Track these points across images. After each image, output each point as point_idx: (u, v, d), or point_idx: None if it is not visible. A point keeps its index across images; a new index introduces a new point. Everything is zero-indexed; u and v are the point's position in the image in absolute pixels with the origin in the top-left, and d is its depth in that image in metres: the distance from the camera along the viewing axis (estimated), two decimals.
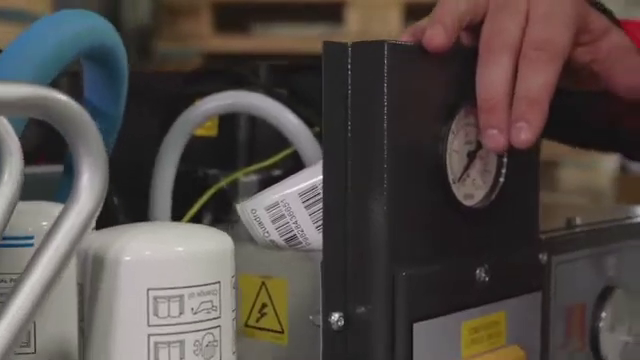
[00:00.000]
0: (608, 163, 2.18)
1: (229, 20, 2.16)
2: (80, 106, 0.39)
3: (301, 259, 0.50)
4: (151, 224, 0.46)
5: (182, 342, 0.42)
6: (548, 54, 0.50)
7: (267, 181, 0.63)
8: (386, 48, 0.46)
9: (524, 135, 0.49)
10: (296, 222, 0.49)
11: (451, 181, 0.50)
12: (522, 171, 0.55)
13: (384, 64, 0.46)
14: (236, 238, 0.51)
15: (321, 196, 0.48)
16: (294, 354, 0.51)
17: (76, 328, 0.44)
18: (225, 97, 0.57)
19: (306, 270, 0.50)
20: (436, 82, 0.49)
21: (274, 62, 0.66)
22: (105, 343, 0.42)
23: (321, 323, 0.47)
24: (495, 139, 0.49)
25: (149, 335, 0.41)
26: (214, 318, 0.43)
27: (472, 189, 0.52)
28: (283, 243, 0.50)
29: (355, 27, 2.06)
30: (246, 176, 0.62)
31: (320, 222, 0.48)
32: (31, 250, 0.40)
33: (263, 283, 0.52)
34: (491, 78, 0.49)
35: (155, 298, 0.41)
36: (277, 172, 0.63)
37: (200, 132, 0.64)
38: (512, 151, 0.50)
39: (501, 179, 0.53)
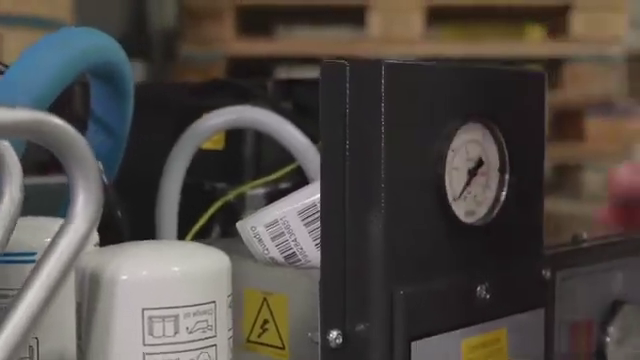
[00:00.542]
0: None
1: (252, 23, 2.16)
2: (75, 131, 0.39)
3: (301, 276, 0.50)
4: (150, 243, 0.46)
5: None
6: None
7: (274, 194, 0.63)
8: (383, 68, 0.46)
9: None
10: (295, 240, 0.49)
11: (451, 198, 0.50)
12: (527, 186, 0.55)
13: (381, 84, 0.46)
14: (242, 253, 0.52)
15: None
16: None
17: None
18: (230, 112, 0.58)
19: (306, 287, 0.50)
20: (435, 100, 0.49)
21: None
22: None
23: (319, 340, 0.47)
24: None
25: (145, 354, 0.42)
26: (209, 337, 0.43)
27: (473, 206, 0.52)
28: (283, 260, 0.50)
29: (377, 30, 2.06)
30: (253, 189, 0.63)
31: (319, 240, 0.48)
32: (33, 266, 0.41)
33: (265, 299, 0.53)
34: None
35: (150, 318, 0.41)
36: (284, 185, 0.64)
37: (207, 145, 0.65)
38: (517, 165, 0.50)
39: (503, 196, 0.53)
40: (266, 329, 0.53)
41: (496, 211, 0.52)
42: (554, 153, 2.28)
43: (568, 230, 0.64)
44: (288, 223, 0.49)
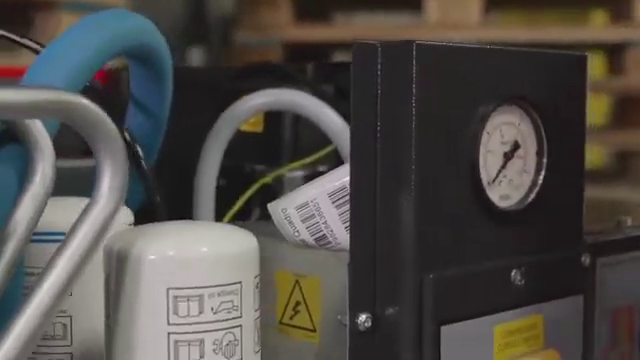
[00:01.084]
0: None
1: (310, 9, 2.16)
2: (102, 110, 0.40)
3: (333, 258, 0.50)
4: (179, 223, 0.46)
5: (202, 341, 0.42)
6: None
7: (312, 176, 0.63)
8: (415, 48, 0.46)
9: None
10: (325, 222, 0.49)
11: (485, 182, 0.49)
12: (566, 170, 0.54)
13: (412, 64, 0.46)
14: (277, 235, 0.52)
15: None
16: (325, 353, 0.51)
17: None
18: (267, 95, 0.58)
19: (338, 270, 0.49)
20: (468, 82, 0.48)
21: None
22: (127, 340, 0.42)
23: (347, 323, 0.47)
24: None
25: (169, 333, 0.42)
26: (235, 318, 0.43)
27: (509, 190, 0.51)
28: (313, 242, 0.50)
29: (434, 16, 2.04)
30: (291, 172, 0.62)
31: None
32: None
33: (297, 281, 0.53)
34: None
35: (175, 297, 0.42)
36: (323, 168, 0.63)
37: (247, 128, 0.65)
38: (556, 149, 0.49)
39: (540, 180, 0.52)
40: (298, 311, 0.53)
41: (533, 196, 0.51)
42: (616, 140, 2.23)
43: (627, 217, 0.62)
44: (318, 205, 0.49)
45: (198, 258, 0.42)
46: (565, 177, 0.53)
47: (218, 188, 0.68)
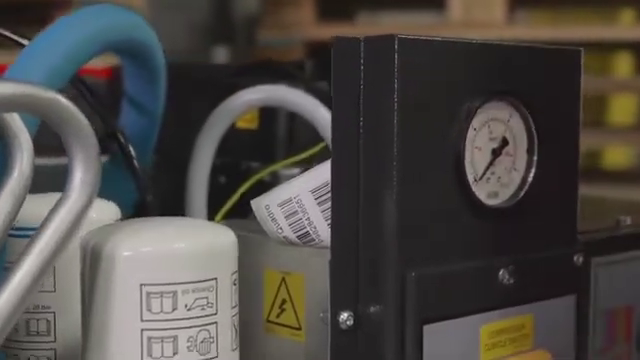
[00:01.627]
0: None
1: (333, 9, 2.15)
2: (74, 105, 0.39)
3: (318, 256, 0.50)
4: (157, 219, 0.46)
5: (175, 338, 0.42)
6: None
7: None
8: (397, 42, 0.45)
9: None
10: (309, 219, 0.48)
11: (471, 179, 0.48)
12: (559, 168, 0.53)
13: (395, 59, 0.45)
14: (265, 232, 0.51)
15: None
16: (311, 351, 0.50)
17: None
18: (259, 91, 0.57)
19: (322, 267, 0.49)
20: (454, 77, 0.47)
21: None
22: (101, 336, 0.42)
23: (329, 322, 0.46)
24: None
25: (142, 330, 0.42)
26: (210, 315, 0.43)
27: (497, 187, 0.50)
28: (296, 240, 0.49)
29: (458, 15, 2.02)
30: (286, 168, 0.62)
31: None
32: None
33: (283, 279, 0.52)
34: None
35: (148, 294, 0.41)
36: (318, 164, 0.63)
37: (242, 124, 0.65)
38: (548, 147, 0.48)
39: (530, 178, 0.51)
40: (284, 309, 0.52)
41: (522, 193, 0.51)
42: None
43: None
44: (302, 202, 0.48)
45: (171, 254, 0.42)
46: (558, 175, 0.53)
47: (219, 185, 0.68)
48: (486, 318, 0.49)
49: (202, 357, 0.42)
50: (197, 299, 0.42)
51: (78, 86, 0.56)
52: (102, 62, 0.74)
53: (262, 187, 0.64)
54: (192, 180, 0.59)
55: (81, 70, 0.68)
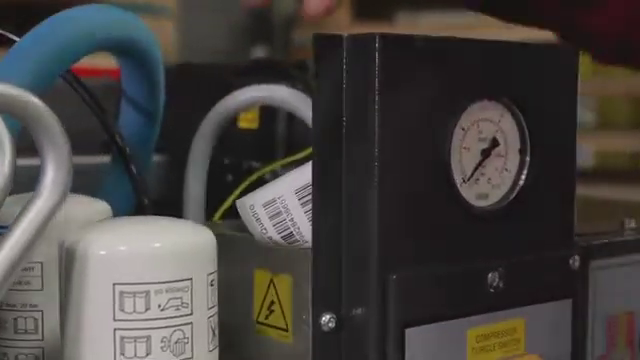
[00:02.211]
0: None
1: (371, 9, 2.15)
2: (44, 104, 0.39)
3: (304, 257, 0.49)
4: (135, 219, 0.46)
5: (149, 338, 0.42)
6: None
7: None
8: (377, 40, 0.44)
9: None
10: (292, 219, 0.48)
11: (459, 180, 0.48)
12: (554, 169, 0.51)
13: (375, 57, 0.44)
14: None
15: None
16: (298, 353, 0.50)
17: None
18: (254, 90, 0.57)
19: (308, 268, 0.48)
20: (440, 75, 0.47)
21: None
22: (76, 334, 0.42)
23: (310, 324, 0.46)
24: None
25: (115, 329, 0.41)
26: (184, 315, 0.42)
27: (487, 189, 0.49)
28: (281, 240, 0.49)
29: None
30: (286, 168, 0.61)
31: None
32: None
33: (272, 280, 0.52)
34: None
35: (121, 293, 0.41)
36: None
37: (243, 125, 0.64)
38: (542, 147, 0.47)
39: (522, 179, 0.50)
40: (272, 310, 0.52)
41: (514, 195, 0.50)
42: None
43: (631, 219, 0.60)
44: (285, 202, 0.48)
45: (144, 253, 0.41)
46: (553, 176, 0.51)
47: (226, 184, 0.67)
48: (473, 322, 0.48)
49: (176, 358, 0.42)
50: (171, 299, 0.42)
51: (75, 87, 0.57)
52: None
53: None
54: (188, 179, 0.59)
55: (92, 71, 0.69)
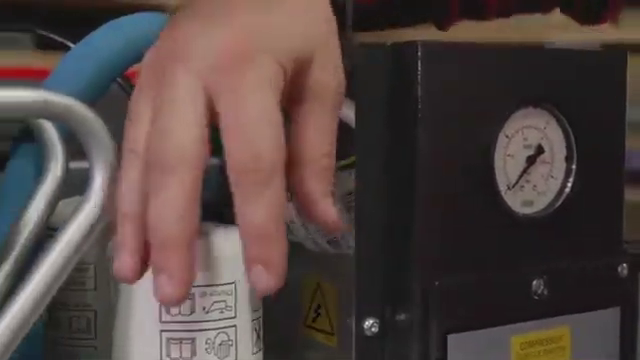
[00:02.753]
0: None
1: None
2: (89, 110, 0.41)
3: (349, 262, 0.50)
4: None
5: (193, 340, 0.43)
6: None
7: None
8: (420, 49, 0.45)
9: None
10: None
11: (503, 187, 0.48)
12: (602, 176, 0.51)
13: (418, 65, 0.45)
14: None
15: None
16: (342, 356, 0.50)
17: None
18: None
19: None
20: (483, 83, 0.47)
21: None
22: (124, 335, 0.44)
23: (353, 328, 0.46)
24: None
25: (161, 331, 0.43)
26: (228, 318, 0.43)
27: (533, 196, 0.49)
28: (326, 245, 0.49)
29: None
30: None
31: None
32: None
33: (318, 284, 0.52)
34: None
35: None
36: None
37: None
38: (589, 154, 0.47)
39: (568, 187, 0.50)
40: (319, 314, 0.52)
41: (560, 202, 0.49)
42: None
43: None
44: None
45: None
46: (600, 183, 0.51)
47: None
48: (517, 329, 0.48)
49: None
50: (215, 302, 0.43)
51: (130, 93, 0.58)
52: None
53: None
54: None
55: None
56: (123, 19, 0.52)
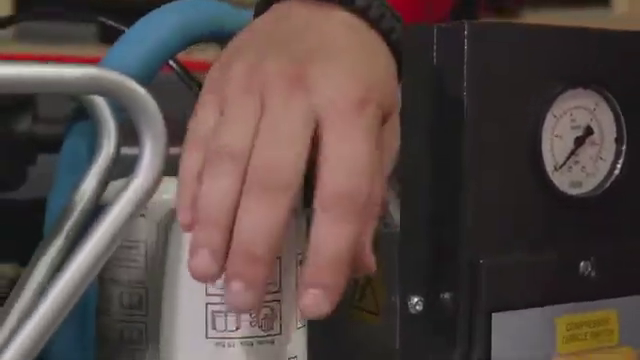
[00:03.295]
0: None
1: (499, 6, 2.12)
2: (142, 87, 0.42)
3: (396, 240, 0.50)
4: None
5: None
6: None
7: None
8: (467, 29, 0.45)
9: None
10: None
11: (551, 168, 0.47)
12: None
13: (464, 45, 0.45)
14: None
15: None
16: (386, 336, 0.51)
17: None
18: None
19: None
20: (531, 63, 0.47)
21: None
22: (171, 308, 0.44)
23: (398, 306, 0.47)
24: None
25: (207, 304, 0.43)
26: (273, 292, 0.44)
27: (581, 177, 0.49)
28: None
29: (622, 10, 1.95)
30: None
31: None
32: None
33: None
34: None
35: None
36: None
37: None
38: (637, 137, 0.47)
39: (618, 168, 0.49)
40: (364, 294, 0.53)
41: (609, 184, 0.49)
42: None
43: None
44: None
45: None
46: None
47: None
48: (562, 310, 0.47)
49: (265, 333, 0.44)
50: None
51: (184, 79, 0.59)
52: None
53: None
54: None
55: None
56: (181, 2, 0.53)
